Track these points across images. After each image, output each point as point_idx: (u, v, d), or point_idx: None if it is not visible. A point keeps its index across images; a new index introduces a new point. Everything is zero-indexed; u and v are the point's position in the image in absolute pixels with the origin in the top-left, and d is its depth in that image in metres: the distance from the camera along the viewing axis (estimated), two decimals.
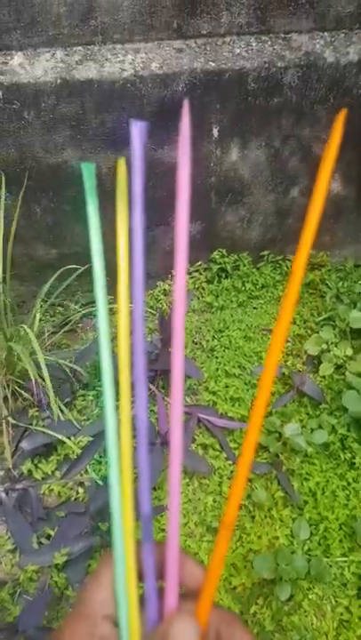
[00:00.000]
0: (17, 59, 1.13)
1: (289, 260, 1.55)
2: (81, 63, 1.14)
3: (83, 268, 1.21)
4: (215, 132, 1.26)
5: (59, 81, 1.12)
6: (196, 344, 1.40)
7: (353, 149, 1.38)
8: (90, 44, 1.16)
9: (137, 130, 0.23)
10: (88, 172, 0.23)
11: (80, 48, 1.15)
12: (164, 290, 1.48)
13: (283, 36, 1.25)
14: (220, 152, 1.31)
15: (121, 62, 1.16)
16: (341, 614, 1.00)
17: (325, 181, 0.21)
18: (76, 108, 1.15)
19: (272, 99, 1.25)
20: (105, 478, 0.99)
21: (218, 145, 1.29)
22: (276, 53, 1.23)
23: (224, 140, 1.29)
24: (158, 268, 1.47)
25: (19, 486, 0.97)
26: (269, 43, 1.23)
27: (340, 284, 1.46)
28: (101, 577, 0.24)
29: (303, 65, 1.23)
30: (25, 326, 1.00)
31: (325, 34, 1.27)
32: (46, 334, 1.20)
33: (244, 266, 1.51)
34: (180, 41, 1.20)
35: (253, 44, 1.23)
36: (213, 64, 1.19)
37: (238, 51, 1.21)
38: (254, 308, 1.51)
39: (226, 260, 1.49)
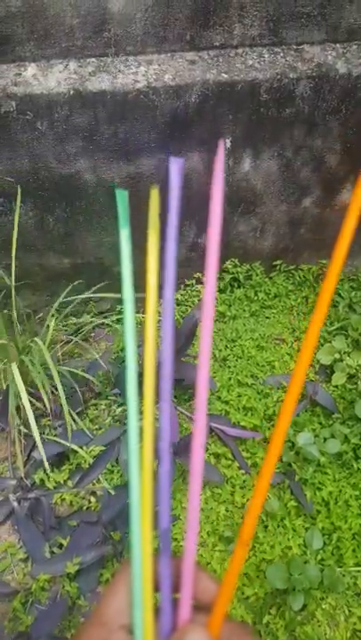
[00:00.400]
0: (30, 70, 1.15)
1: (301, 270, 1.55)
2: (94, 74, 1.16)
3: (98, 286, 1.22)
4: (228, 142, 1.27)
5: (72, 92, 1.14)
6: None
7: None
8: (103, 55, 1.17)
9: (176, 166, 0.23)
10: (122, 200, 0.24)
11: (93, 59, 1.17)
12: (177, 299, 1.48)
13: (295, 47, 1.26)
14: (232, 162, 1.32)
15: (134, 74, 1.17)
16: (355, 624, 0.99)
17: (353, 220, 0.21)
18: (88, 119, 1.17)
19: (284, 110, 1.26)
20: (117, 487, 0.99)
21: (230, 155, 1.30)
22: (288, 65, 1.24)
23: (236, 151, 1.29)
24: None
25: (31, 495, 0.97)
26: (282, 54, 1.24)
27: (353, 293, 1.45)
28: (118, 587, 0.24)
29: (315, 76, 1.24)
30: (37, 340, 1.00)
31: (338, 45, 1.28)
32: (60, 344, 1.20)
33: (257, 275, 1.51)
34: (192, 52, 1.21)
35: (266, 56, 1.24)
36: (226, 75, 1.20)
37: (251, 62, 1.22)
38: (267, 317, 1.51)
39: (238, 269, 1.49)
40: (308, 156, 1.35)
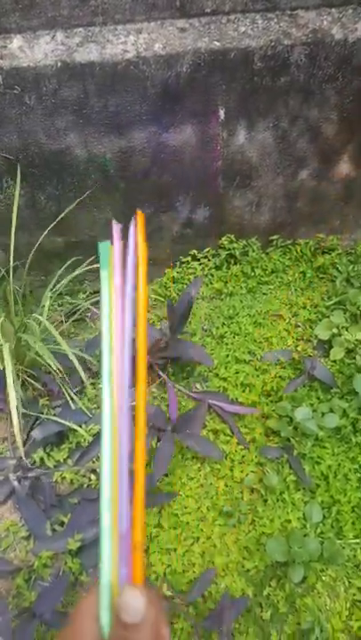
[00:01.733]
0: (16, 42, 1.10)
1: (298, 245, 1.52)
2: (82, 45, 1.10)
3: (90, 259, 1.19)
4: (221, 113, 1.23)
5: (59, 64, 1.09)
6: (205, 331, 1.38)
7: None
8: (90, 25, 1.12)
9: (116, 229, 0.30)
10: (104, 252, 0.29)
11: (81, 29, 1.12)
12: (173, 277, 1.45)
13: (289, 12, 1.20)
14: (226, 134, 1.27)
15: (123, 43, 1.12)
16: (354, 595, 0.99)
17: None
18: (77, 92, 1.12)
19: (279, 78, 1.21)
20: None
21: (224, 127, 1.25)
22: (282, 31, 1.18)
23: (230, 122, 1.25)
24: (166, 254, 1.45)
25: (31, 474, 0.96)
26: (275, 20, 1.19)
27: (351, 267, 1.42)
28: (84, 606, 0.29)
29: (310, 42, 1.19)
30: (37, 315, 0.98)
31: (333, 10, 1.22)
32: (55, 324, 1.18)
33: (253, 251, 1.48)
34: (183, 20, 1.15)
35: (259, 22, 1.18)
36: (218, 43, 1.15)
37: (243, 29, 1.17)
38: (264, 293, 1.48)
39: (235, 245, 1.46)
40: (305, 127, 1.30)
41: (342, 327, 1.32)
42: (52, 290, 1.20)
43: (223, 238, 1.46)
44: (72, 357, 0.95)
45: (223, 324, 1.40)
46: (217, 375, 1.28)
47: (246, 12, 1.19)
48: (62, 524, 0.94)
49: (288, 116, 1.28)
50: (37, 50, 1.09)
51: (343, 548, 1.03)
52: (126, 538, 0.28)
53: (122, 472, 0.29)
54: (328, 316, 1.36)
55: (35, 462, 1.00)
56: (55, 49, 1.09)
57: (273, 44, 1.18)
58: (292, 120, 1.28)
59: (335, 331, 1.31)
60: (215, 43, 1.15)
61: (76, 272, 1.19)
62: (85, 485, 0.98)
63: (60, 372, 0.98)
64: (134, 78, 1.13)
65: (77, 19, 1.10)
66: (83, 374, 1.03)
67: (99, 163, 1.21)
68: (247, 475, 1.11)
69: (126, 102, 1.15)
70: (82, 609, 0.28)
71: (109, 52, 1.11)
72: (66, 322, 1.22)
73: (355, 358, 1.29)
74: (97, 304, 1.27)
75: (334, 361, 1.31)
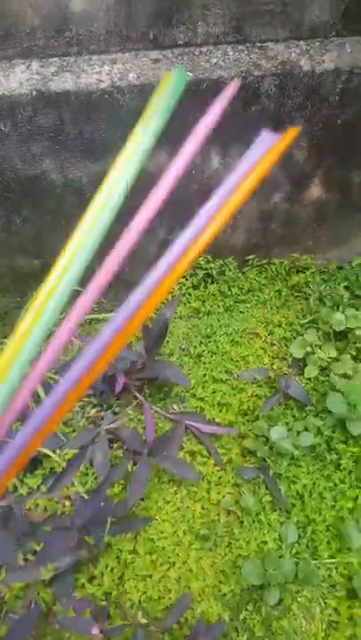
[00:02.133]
0: None
1: (273, 264, 1.53)
2: (57, 74, 1.11)
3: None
4: None
5: (34, 93, 1.09)
6: (183, 350, 1.38)
7: (333, 155, 1.36)
8: (66, 55, 1.13)
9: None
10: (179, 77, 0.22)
11: (56, 59, 1.13)
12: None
13: (259, 45, 1.23)
14: (200, 160, 1.29)
15: (98, 73, 1.13)
16: (330, 615, 0.98)
17: None
18: (53, 120, 1.13)
19: (250, 107, 1.24)
20: (90, 491, 0.96)
21: (198, 153, 1.27)
22: (252, 62, 1.21)
23: (204, 148, 1.27)
24: (141, 275, 1.45)
25: (2, 503, 0.94)
26: (246, 52, 1.22)
27: (323, 286, 1.44)
28: None
29: (280, 73, 1.22)
30: (7, 341, 0.96)
31: (301, 42, 1.25)
32: None
33: (230, 271, 1.49)
34: (156, 51, 1.17)
35: (230, 54, 1.21)
36: (191, 74, 1.17)
37: (215, 60, 1.19)
38: (241, 312, 1.49)
39: (212, 265, 1.46)
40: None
41: (316, 345, 1.33)
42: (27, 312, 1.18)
43: (200, 258, 1.47)
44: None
45: (201, 342, 1.40)
46: (194, 395, 1.27)
47: (218, 45, 1.22)
48: (35, 552, 0.91)
49: None
50: (13, 79, 1.10)
51: (318, 568, 1.03)
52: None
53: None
54: (302, 335, 1.37)
55: (7, 490, 0.98)
56: (30, 78, 1.10)
57: (244, 74, 1.21)
58: None
59: (309, 349, 1.32)
60: (188, 73, 1.17)
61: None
62: (59, 512, 0.96)
63: (34, 395, 0.97)
64: (109, 106, 1.14)
65: (53, 49, 1.12)
66: None
67: (75, 187, 1.22)
68: (224, 496, 1.10)
69: (102, 129, 1.16)
70: None
71: (84, 82, 1.12)
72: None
73: (328, 376, 1.30)
74: None
75: (309, 379, 1.31)
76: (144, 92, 1.16)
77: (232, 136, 1.27)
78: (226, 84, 1.19)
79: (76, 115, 1.13)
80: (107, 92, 1.13)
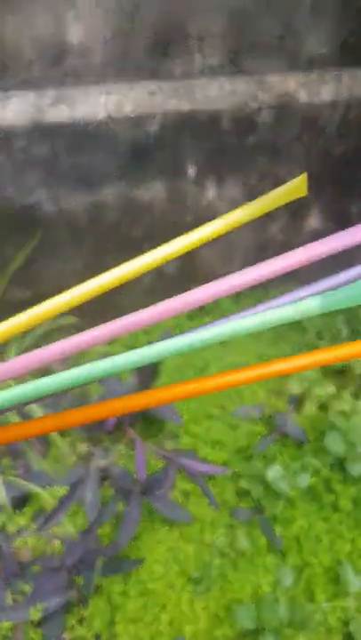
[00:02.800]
0: None
1: (270, 295, 1.69)
2: (53, 105, 1.27)
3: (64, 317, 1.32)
4: (191, 171, 1.41)
5: (30, 123, 1.25)
6: None
7: (331, 187, 1.53)
8: (61, 85, 1.30)
9: None
10: None
11: (52, 91, 1.29)
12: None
13: (256, 77, 1.41)
14: (196, 190, 1.45)
15: (94, 105, 1.29)
16: None
17: None
18: (48, 150, 1.28)
19: (247, 138, 1.40)
20: (81, 531, 1.08)
21: (194, 184, 1.43)
22: (249, 94, 1.38)
23: (200, 179, 1.43)
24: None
25: None
26: (243, 84, 1.39)
27: (321, 320, 1.59)
28: None
29: (277, 105, 1.39)
30: None
31: (298, 74, 1.44)
32: (28, 378, 1.29)
33: (224, 302, 1.64)
34: (152, 83, 1.34)
35: (227, 86, 1.38)
36: (187, 106, 1.34)
37: (212, 92, 1.37)
38: (235, 345, 1.63)
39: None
40: (273, 183, 1.49)
41: (314, 382, 1.47)
42: (20, 343, 1.32)
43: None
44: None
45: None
46: (187, 431, 1.40)
47: (215, 76, 1.39)
48: (24, 593, 1.03)
49: (256, 173, 1.47)
50: (8, 110, 1.25)
51: (315, 612, 1.15)
52: None
53: None
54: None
55: None
56: (26, 109, 1.26)
57: (241, 106, 1.38)
58: (261, 177, 1.48)
59: (307, 385, 1.47)
60: (184, 105, 1.34)
61: (51, 325, 1.32)
62: (49, 552, 1.08)
63: None
64: (104, 137, 1.30)
65: (49, 80, 1.28)
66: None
67: (69, 217, 1.37)
68: (218, 538, 1.22)
69: (97, 160, 1.32)
70: None
71: (80, 113, 1.28)
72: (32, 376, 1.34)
73: (327, 413, 1.44)
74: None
75: (307, 416, 1.45)
76: (140, 124, 1.32)
77: (229, 167, 1.43)
78: (222, 115, 1.36)
79: (71, 145, 1.29)
80: (102, 124, 1.29)
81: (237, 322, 0.23)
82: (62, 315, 1.42)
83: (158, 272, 1.56)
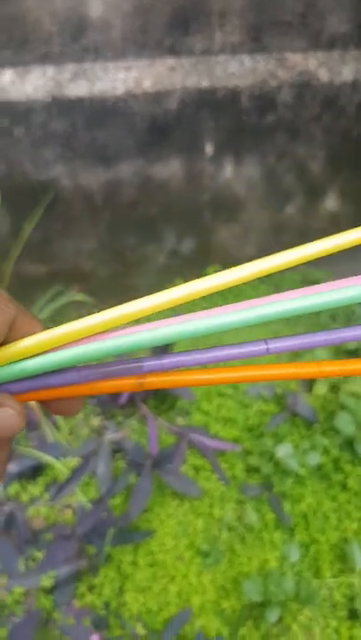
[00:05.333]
0: (8, 76, 1.22)
1: (285, 277, 1.63)
2: (72, 80, 1.22)
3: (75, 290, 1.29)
4: (209, 149, 1.35)
5: (49, 98, 1.20)
6: None
7: (349, 168, 1.47)
8: (81, 61, 1.24)
9: None
10: None
11: (71, 65, 1.24)
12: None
13: (276, 55, 1.34)
14: (213, 169, 1.39)
15: (113, 80, 1.24)
16: (330, 635, 1.07)
17: None
18: (66, 126, 1.23)
19: (266, 117, 1.34)
20: (92, 501, 1.06)
21: (212, 162, 1.38)
22: (269, 72, 1.32)
23: (218, 157, 1.37)
24: (150, 284, 1.55)
25: (5, 509, 1.04)
26: (263, 62, 1.33)
27: None
28: None
29: (297, 84, 1.32)
30: None
31: (319, 53, 1.36)
32: None
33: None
34: (172, 59, 1.29)
35: (247, 63, 1.32)
36: (206, 82, 1.28)
37: (232, 69, 1.30)
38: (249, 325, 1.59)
39: None
40: (291, 163, 1.43)
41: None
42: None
43: (209, 269, 1.57)
44: None
45: None
46: (199, 408, 1.37)
47: (235, 54, 1.33)
48: (36, 559, 1.01)
49: (275, 153, 1.41)
50: (28, 84, 1.21)
51: (320, 587, 1.12)
52: None
53: None
54: (312, 350, 1.47)
55: (9, 497, 1.07)
56: (46, 84, 1.21)
57: (260, 84, 1.32)
58: (279, 156, 1.41)
59: None
60: (204, 82, 1.29)
61: (60, 302, 1.29)
62: (61, 521, 1.06)
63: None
64: (123, 114, 1.25)
65: (69, 55, 1.23)
66: None
67: (85, 193, 1.32)
68: (226, 512, 1.19)
69: (114, 136, 1.27)
70: None
71: (99, 88, 1.23)
72: None
73: (338, 394, 1.40)
74: None
75: (317, 396, 1.41)
76: (158, 100, 1.27)
77: (247, 145, 1.38)
78: (242, 92, 1.30)
79: (89, 121, 1.24)
80: (121, 100, 1.24)
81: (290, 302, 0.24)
82: (74, 293, 1.39)
83: (173, 252, 1.52)
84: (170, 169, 1.35)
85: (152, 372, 0.25)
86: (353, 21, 1.37)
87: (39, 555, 1.01)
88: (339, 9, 1.33)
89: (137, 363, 0.25)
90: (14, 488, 1.09)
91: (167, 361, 0.25)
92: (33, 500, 1.08)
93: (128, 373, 0.25)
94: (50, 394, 0.25)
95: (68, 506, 1.08)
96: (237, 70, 1.31)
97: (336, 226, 1.56)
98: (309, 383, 1.45)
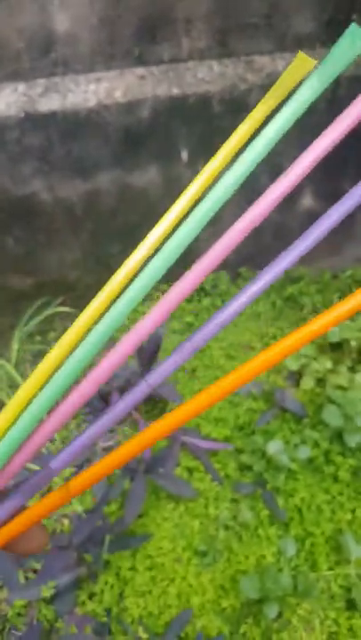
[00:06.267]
0: None
1: None
2: (44, 95, 1.21)
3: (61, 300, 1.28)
4: (184, 155, 1.34)
5: (22, 114, 1.19)
6: None
7: (323, 165, 1.46)
8: (52, 75, 1.23)
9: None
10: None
11: (42, 80, 1.23)
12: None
13: (244, 58, 1.33)
14: (190, 174, 1.39)
15: (84, 92, 1.23)
16: (330, 627, 1.07)
17: None
18: (41, 140, 1.22)
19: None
20: (88, 510, 1.05)
21: (188, 167, 1.37)
22: (238, 76, 1.31)
23: (194, 162, 1.36)
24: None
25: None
26: (231, 66, 1.32)
27: (317, 297, 1.54)
28: None
29: (266, 86, 1.32)
30: (3, 361, 1.06)
31: (286, 54, 1.36)
32: (27, 364, 1.26)
33: (223, 284, 1.59)
34: (142, 68, 1.28)
35: (216, 68, 1.31)
36: (177, 89, 1.27)
37: (201, 75, 1.30)
38: (235, 324, 1.58)
39: (204, 279, 1.56)
40: (265, 164, 1.42)
41: (311, 357, 1.42)
42: (21, 331, 1.28)
43: None
44: None
45: (195, 357, 1.49)
46: None
47: (203, 59, 1.32)
48: (35, 571, 1.00)
49: None
50: (0, 101, 1.20)
51: (317, 580, 1.12)
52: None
53: None
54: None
55: None
56: (17, 100, 1.20)
57: (230, 88, 1.31)
58: None
59: (304, 361, 1.42)
60: (174, 89, 1.28)
61: (46, 312, 1.28)
62: (58, 531, 1.05)
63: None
64: (96, 125, 1.24)
65: (39, 70, 1.22)
66: None
67: (65, 205, 1.31)
68: (222, 512, 1.19)
69: (90, 147, 1.26)
70: None
71: (71, 101, 1.22)
72: (36, 362, 1.30)
73: (324, 388, 1.39)
74: None
75: (305, 391, 1.41)
76: (131, 110, 1.26)
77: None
78: (212, 97, 1.29)
79: (63, 134, 1.23)
80: (93, 111, 1.23)
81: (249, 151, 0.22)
82: (59, 304, 1.38)
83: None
84: (147, 176, 1.34)
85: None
86: (318, 20, 1.36)
87: (38, 566, 1.00)
88: (303, 8, 1.33)
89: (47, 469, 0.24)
90: None
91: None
92: None
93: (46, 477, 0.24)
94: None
95: (65, 515, 1.07)
96: (207, 76, 1.30)
97: (312, 222, 1.55)
98: (296, 378, 1.44)
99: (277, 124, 0.22)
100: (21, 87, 1.21)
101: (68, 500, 0.24)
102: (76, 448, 0.24)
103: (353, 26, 0.19)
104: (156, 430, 0.23)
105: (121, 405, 0.23)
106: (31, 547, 0.26)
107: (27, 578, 0.99)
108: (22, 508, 0.24)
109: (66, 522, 1.07)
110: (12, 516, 0.24)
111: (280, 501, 1.21)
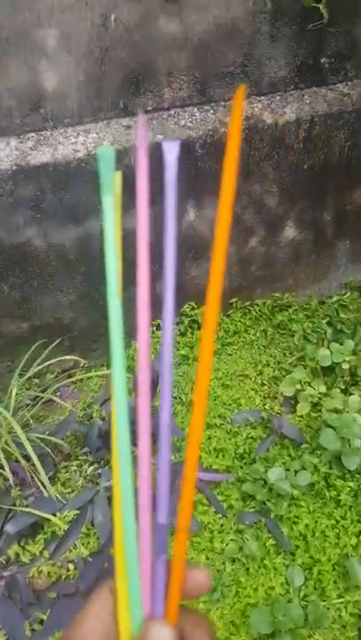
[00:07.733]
0: None
1: (257, 305, 1.60)
2: (35, 149, 1.20)
3: (57, 341, 1.24)
4: None
5: (14, 167, 1.17)
6: (175, 398, 1.42)
7: (302, 198, 1.45)
8: (42, 129, 1.22)
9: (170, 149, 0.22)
10: (104, 159, 0.21)
11: (33, 134, 1.21)
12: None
13: (223, 103, 1.33)
14: (178, 214, 1.36)
15: (73, 144, 1.22)
16: None
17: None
18: (34, 191, 1.20)
19: (220, 162, 1.32)
20: (93, 553, 0.98)
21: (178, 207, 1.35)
22: (218, 120, 1.31)
23: (181, 203, 1.35)
24: (129, 327, 1.50)
25: (6, 573, 0.96)
26: (211, 111, 1.32)
27: (306, 323, 1.50)
28: (91, 608, 0.24)
29: (245, 128, 1.31)
30: (1, 408, 1.01)
31: (262, 97, 1.36)
32: (25, 409, 1.20)
33: None
34: (127, 118, 1.27)
35: (197, 115, 1.30)
36: (161, 136, 1.26)
37: (183, 122, 1.29)
38: (229, 354, 1.54)
39: (196, 311, 1.52)
40: (249, 201, 1.41)
41: (305, 382, 1.38)
42: (19, 374, 1.23)
43: (185, 306, 1.53)
44: (32, 453, 0.97)
45: (192, 389, 1.44)
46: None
47: (184, 107, 1.32)
48: (42, 622, 0.93)
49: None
50: None
51: (328, 609, 1.04)
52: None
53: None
54: (291, 372, 1.42)
55: (9, 559, 0.99)
56: (10, 154, 1.18)
57: (211, 132, 1.30)
58: (237, 196, 1.39)
59: (299, 386, 1.37)
60: (159, 136, 1.27)
61: (43, 355, 1.23)
62: (64, 577, 0.98)
63: (28, 460, 1.00)
64: (86, 174, 1.22)
65: (29, 125, 1.20)
66: (53, 459, 1.05)
67: (58, 251, 1.28)
68: (227, 544, 1.12)
69: (81, 195, 1.24)
70: (89, 612, 0.24)
71: (61, 153, 1.20)
72: (34, 405, 1.25)
73: (320, 411, 1.34)
74: (66, 384, 1.30)
75: (301, 416, 1.36)
76: (119, 157, 1.24)
77: (206, 189, 1.35)
78: (195, 142, 1.28)
79: (55, 184, 1.21)
80: (83, 161, 1.22)
81: None
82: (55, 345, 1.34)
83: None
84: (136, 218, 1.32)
85: None
86: (290, 65, 1.37)
87: (44, 616, 0.93)
88: (276, 55, 1.33)
89: None
90: (14, 550, 1.01)
91: None
92: (33, 560, 1.00)
93: None
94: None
95: (70, 560, 1.00)
96: (189, 122, 1.30)
97: (297, 252, 1.53)
98: (292, 403, 1.39)
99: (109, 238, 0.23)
100: (13, 142, 1.19)
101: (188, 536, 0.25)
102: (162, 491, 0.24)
103: (100, 150, 0.21)
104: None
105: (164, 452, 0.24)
106: (199, 590, 0.25)
107: (33, 630, 0.92)
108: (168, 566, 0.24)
109: (71, 567, 1.00)
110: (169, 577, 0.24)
111: (285, 529, 1.15)
